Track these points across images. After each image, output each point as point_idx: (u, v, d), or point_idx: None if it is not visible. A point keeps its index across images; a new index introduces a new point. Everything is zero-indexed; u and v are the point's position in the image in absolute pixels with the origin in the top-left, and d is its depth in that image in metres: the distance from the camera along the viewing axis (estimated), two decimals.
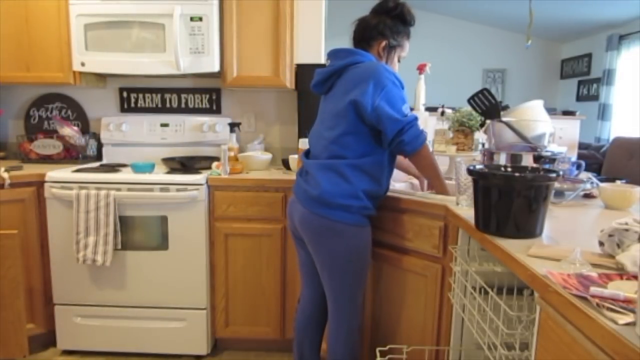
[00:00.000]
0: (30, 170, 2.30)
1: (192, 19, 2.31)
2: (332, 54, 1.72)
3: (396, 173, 2.03)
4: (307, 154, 1.77)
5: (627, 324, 0.69)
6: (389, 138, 1.57)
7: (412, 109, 2.40)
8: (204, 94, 2.79)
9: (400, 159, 1.83)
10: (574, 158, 1.87)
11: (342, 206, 1.58)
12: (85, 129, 2.80)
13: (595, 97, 6.42)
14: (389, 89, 1.56)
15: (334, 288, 1.68)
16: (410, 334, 1.79)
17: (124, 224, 2.19)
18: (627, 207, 1.52)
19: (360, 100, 1.54)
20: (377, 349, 1.61)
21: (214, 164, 2.36)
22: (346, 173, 1.57)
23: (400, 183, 2.12)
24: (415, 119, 1.60)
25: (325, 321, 1.83)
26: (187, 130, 2.70)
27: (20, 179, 2.20)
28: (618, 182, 1.67)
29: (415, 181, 2.08)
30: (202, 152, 2.72)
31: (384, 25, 1.69)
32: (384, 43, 1.70)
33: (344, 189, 1.57)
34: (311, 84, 1.75)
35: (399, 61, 1.78)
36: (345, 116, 1.58)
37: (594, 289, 0.78)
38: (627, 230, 0.98)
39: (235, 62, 2.42)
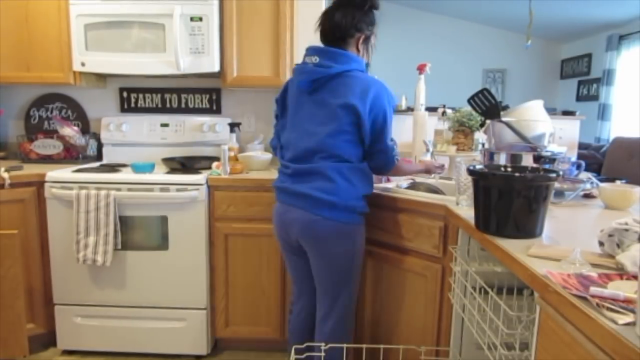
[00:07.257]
0: (30, 170, 2.30)
1: (192, 19, 2.31)
2: (323, 53, 1.61)
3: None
4: (290, 159, 1.67)
5: (627, 324, 0.69)
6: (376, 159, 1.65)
7: (412, 109, 2.39)
8: (204, 94, 2.79)
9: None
10: (573, 158, 1.87)
11: (351, 208, 1.61)
12: (85, 129, 2.80)
13: (595, 97, 6.43)
14: (388, 111, 1.61)
15: (333, 289, 1.67)
16: (410, 333, 1.79)
17: (124, 224, 2.19)
18: (627, 207, 1.52)
19: (361, 110, 1.55)
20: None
21: (214, 164, 2.36)
22: (350, 177, 1.60)
23: (402, 182, 2.12)
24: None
25: None
26: (187, 130, 2.70)
27: (20, 179, 2.20)
28: (618, 182, 1.67)
29: (419, 179, 2.07)
30: (202, 152, 2.72)
31: (359, 20, 1.62)
32: (362, 37, 1.65)
33: (352, 192, 1.61)
34: (298, 81, 1.64)
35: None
36: (341, 120, 1.56)
37: (594, 289, 0.78)
38: (627, 230, 0.98)
39: (236, 62, 2.42)
